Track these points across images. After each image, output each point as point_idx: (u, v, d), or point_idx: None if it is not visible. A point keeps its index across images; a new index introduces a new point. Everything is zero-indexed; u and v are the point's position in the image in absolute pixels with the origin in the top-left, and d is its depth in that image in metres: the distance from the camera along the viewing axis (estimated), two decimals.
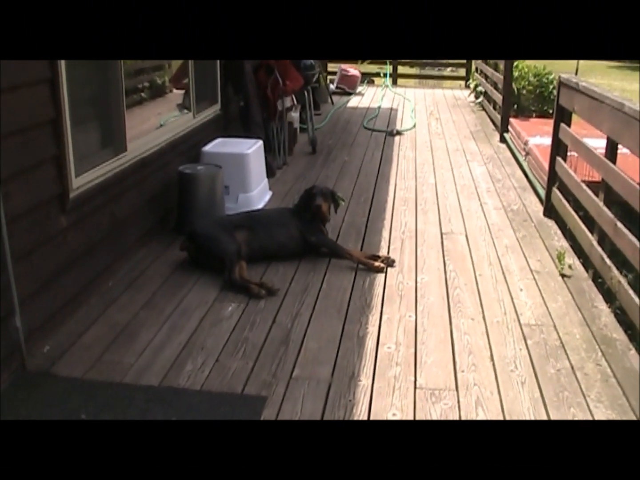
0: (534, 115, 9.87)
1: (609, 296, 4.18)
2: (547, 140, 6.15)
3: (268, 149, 6.96)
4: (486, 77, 11.54)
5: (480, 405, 3.12)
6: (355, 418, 3.00)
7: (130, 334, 3.71)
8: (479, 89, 12.32)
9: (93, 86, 4.34)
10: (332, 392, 3.20)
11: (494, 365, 3.47)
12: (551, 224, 5.67)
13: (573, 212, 5.09)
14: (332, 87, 13.42)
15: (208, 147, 5.88)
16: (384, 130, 9.76)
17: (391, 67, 15.54)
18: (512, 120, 9.20)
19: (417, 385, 3.27)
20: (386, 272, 4.59)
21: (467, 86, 14.41)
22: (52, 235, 3.62)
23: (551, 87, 9.83)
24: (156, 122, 5.42)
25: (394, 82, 15.42)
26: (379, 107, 11.90)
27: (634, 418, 3.01)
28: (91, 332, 3.73)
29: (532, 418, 3.02)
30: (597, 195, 4.51)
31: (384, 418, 3.01)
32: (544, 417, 3.03)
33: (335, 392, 3.20)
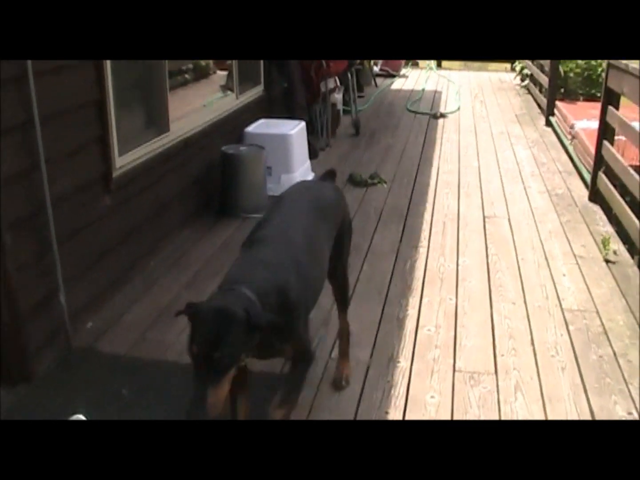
0: (581, 98, 9.66)
1: None
2: (594, 124, 6.04)
3: (311, 131, 6.96)
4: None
5: (520, 389, 3.10)
6: (393, 400, 3.01)
7: (172, 314, 3.75)
8: (525, 71, 12.13)
9: (137, 68, 4.37)
10: (371, 373, 3.21)
11: (534, 350, 3.44)
12: (596, 208, 5.57)
13: (619, 197, 5.00)
14: (376, 69, 13.32)
15: (251, 128, 5.91)
16: (427, 113, 9.67)
17: None
18: (558, 103, 9.03)
19: (456, 369, 3.26)
20: (427, 255, 4.57)
21: (513, 69, 14.18)
22: (96, 216, 3.68)
23: (600, 69, 9.62)
24: (199, 104, 5.45)
25: (439, 65, 15.28)
26: (423, 90, 11.79)
27: None
28: (134, 311, 3.79)
29: (572, 404, 3.00)
30: None
31: (422, 400, 3.02)
32: (584, 404, 3.00)
33: (374, 373, 3.21)
